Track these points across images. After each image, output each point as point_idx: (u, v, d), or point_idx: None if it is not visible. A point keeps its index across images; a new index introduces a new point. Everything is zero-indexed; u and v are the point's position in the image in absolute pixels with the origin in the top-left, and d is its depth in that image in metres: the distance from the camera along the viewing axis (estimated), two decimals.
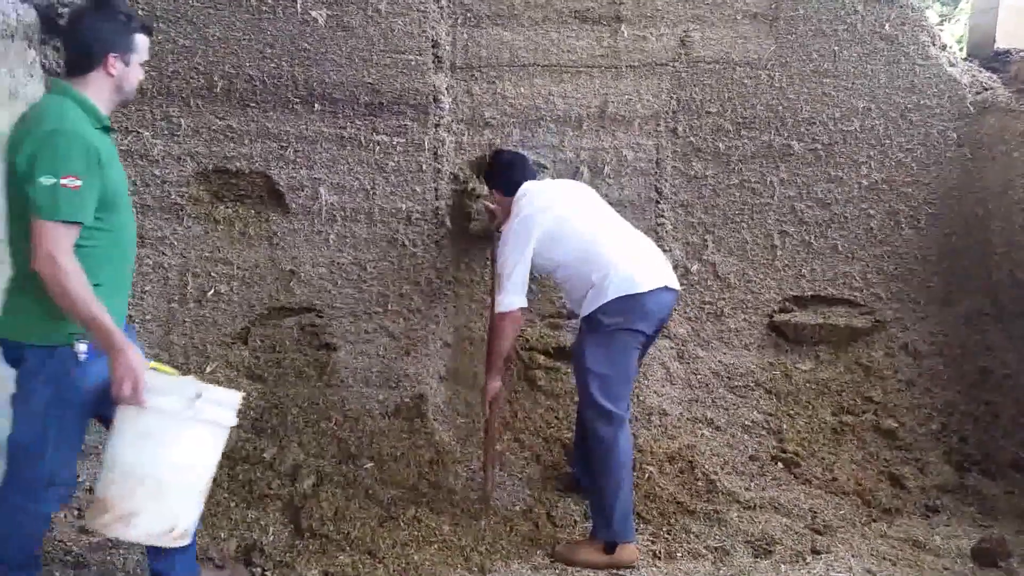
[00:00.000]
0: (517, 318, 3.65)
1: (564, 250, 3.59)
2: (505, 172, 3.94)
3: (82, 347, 2.50)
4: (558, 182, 4.01)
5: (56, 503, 2.67)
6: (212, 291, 4.17)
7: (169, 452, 2.52)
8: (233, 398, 2.66)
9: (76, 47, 2.61)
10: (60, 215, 2.38)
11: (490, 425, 3.81)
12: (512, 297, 3.59)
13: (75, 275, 2.38)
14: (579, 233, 3.59)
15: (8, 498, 2.57)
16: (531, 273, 3.65)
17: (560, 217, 3.63)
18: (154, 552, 2.85)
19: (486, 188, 4.19)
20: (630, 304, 3.44)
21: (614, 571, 3.39)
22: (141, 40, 2.68)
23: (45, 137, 2.41)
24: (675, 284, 3.61)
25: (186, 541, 2.65)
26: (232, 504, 3.60)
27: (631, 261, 3.51)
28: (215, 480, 3.49)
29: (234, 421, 2.66)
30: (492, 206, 4.09)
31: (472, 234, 4.34)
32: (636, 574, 3.38)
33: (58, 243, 2.37)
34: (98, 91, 2.61)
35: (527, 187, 3.82)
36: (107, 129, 2.65)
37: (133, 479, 2.49)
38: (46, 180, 2.36)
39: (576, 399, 4.28)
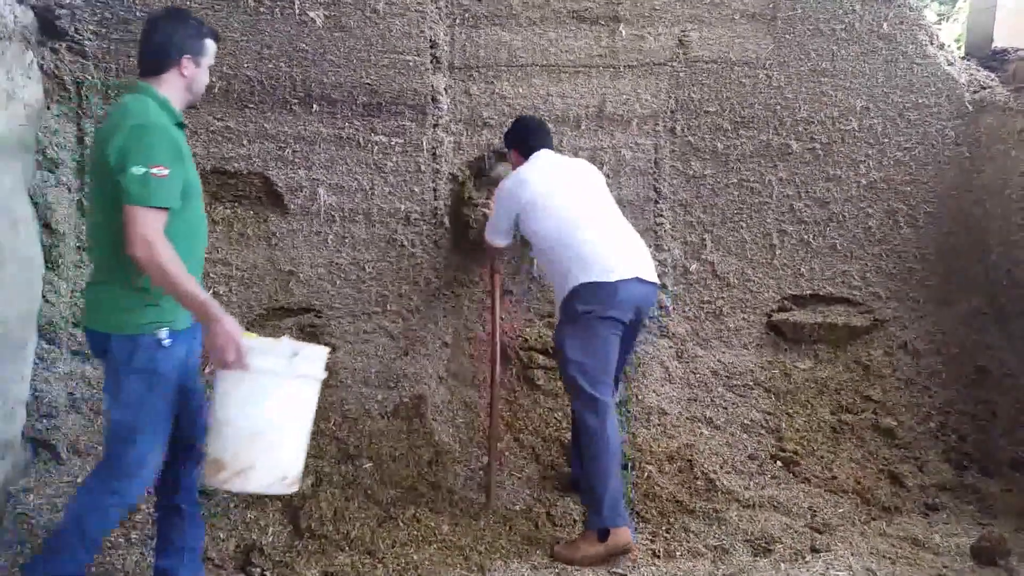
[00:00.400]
0: (499, 248, 4.02)
1: (542, 225, 3.66)
2: (524, 134, 4.00)
3: (164, 333, 2.67)
4: (567, 159, 4.01)
5: (143, 487, 2.78)
6: (211, 292, 4.17)
7: (275, 408, 2.72)
8: (323, 353, 2.85)
9: (152, 50, 2.79)
10: (152, 201, 2.54)
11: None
12: (492, 237, 3.95)
13: (170, 254, 2.54)
14: (559, 211, 3.64)
15: (103, 479, 2.72)
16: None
17: (548, 192, 3.69)
18: (161, 550, 2.97)
19: (484, 195, 4.26)
20: (601, 291, 3.49)
21: (613, 570, 3.39)
22: (210, 45, 2.89)
23: (133, 130, 2.58)
24: (649, 276, 3.63)
25: (297, 487, 2.85)
26: (231, 504, 3.59)
27: (605, 249, 3.56)
28: None
29: (325, 374, 2.86)
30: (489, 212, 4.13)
31: (471, 241, 4.33)
32: (636, 573, 3.38)
33: (152, 227, 2.53)
34: (172, 90, 2.79)
35: (539, 154, 3.88)
36: (181, 126, 2.81)
37: (245, 437, 2.69)
38: (137, 170, 2.53)
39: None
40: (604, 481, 3.42)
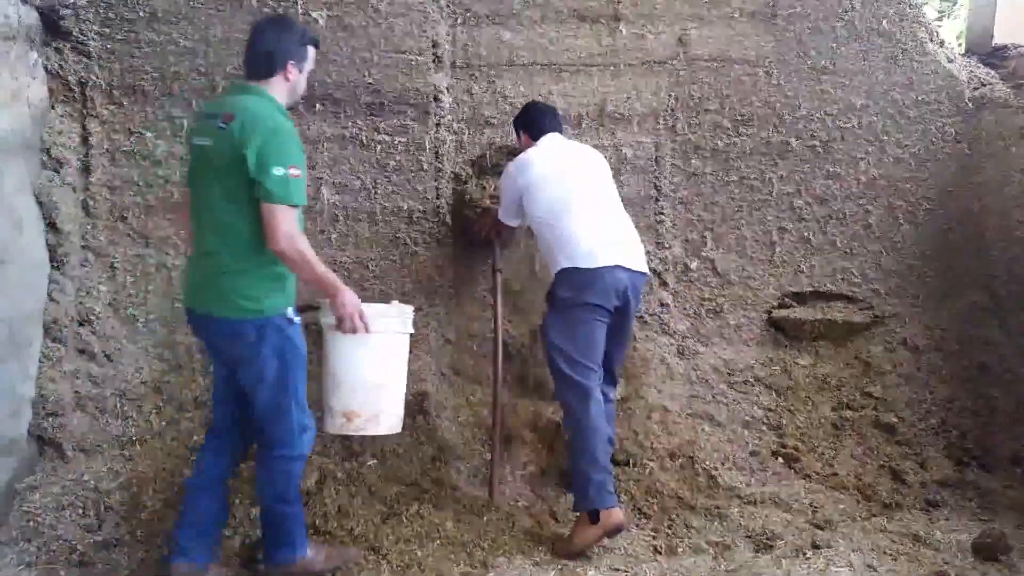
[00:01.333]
0: (511, 227, 4.02)
1: (537, 208, 3.70)
2: (535, 115, 4.00)
3: (290, 311, 3.01)
4: (575, 144, 4.03)
5: (309, 445, 3.15)
6: None
7: (393, 361, 3.36)
8: (411, 310, 3.44)
9: (260, 55, 3.01)
10: (291, 199, 2.83)
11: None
12: (504, 217, 3.94)
13: (307, 245, 2.90)
14: (553, 195, 3.67)
15: (273, 454, 3.07)
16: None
17: (546, 175, 3.71)
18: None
19: (487, 197, 4.28)
20: (583, 277, 3.54)
21: (617, 568, 3.41)
22: (311, 51, 3.12)
23: (270, 134, 2.82)
24: (635, 264, 3.66)
25: (400, 428, 3.47)
26: (236, 501, 3.60)
27: (593, 236, 3.59)
28: None
29: (412, 329, 3.46)
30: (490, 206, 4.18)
31: (472, 235, 4.35)
32: (638, 569, 3.40)
33: (293, 223, 2.86)
34: (278, 93, 3.02)
35: (548, 137, 3.90)
36: None
37: (374, 387, 3.27)
38: (277, 171, 2.79)
39: None
40: (590, 463, 3.46)
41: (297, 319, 3.03)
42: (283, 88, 3.03)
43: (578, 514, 3.55)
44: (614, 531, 3.45)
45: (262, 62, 3.00)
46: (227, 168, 2.86)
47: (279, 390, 3.00)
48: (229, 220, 2.91)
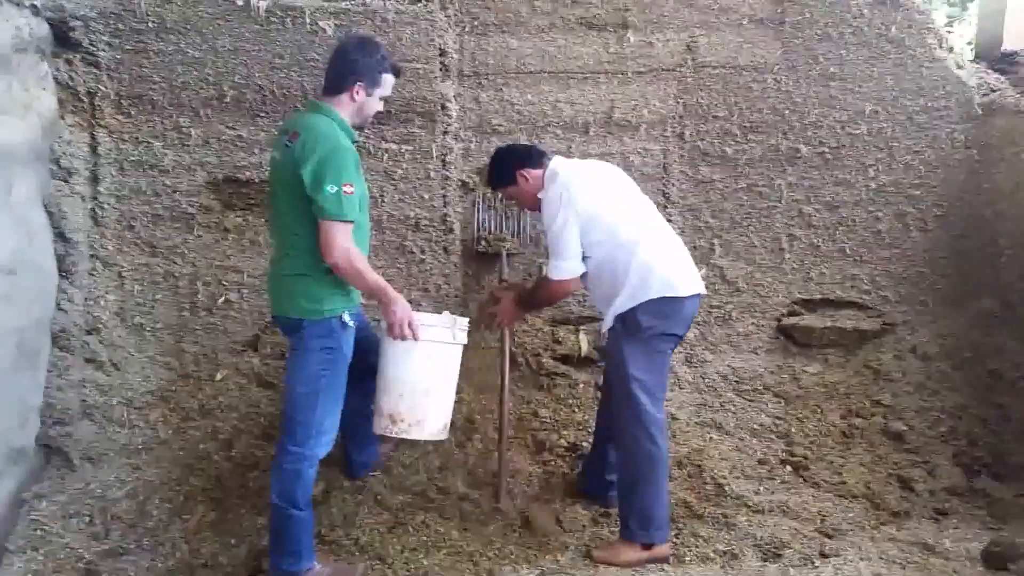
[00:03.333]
0: (576, 284, 3.61)
1: (604, 233, 3.46)
2: (526, 150, 3.80)
3: (347, 316, 3.16)
4: (596, 163, 3.87)
5: (325, 448, 3.21)
6: (223, 299, 4.21)
7: (441, 369, 3.40)
8: (466, 323, 3.46)
9: (333, 71, 3.19)
10: (344, 215, 2.98)
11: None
12: (571, 263, 3.51)
13: (361, 258, 3.09)
14: (622, 221, 3.48)
15: (288, 447, 3.14)
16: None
17: (605, 199, 3.53)
18: (357, 446, 3.73)
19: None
20: (669, 307, 3.41)
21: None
22: (387, 79, 3.25)
23: (327, 153, 2.97)
24: (702, 288, 3.59)
25: (446, 435, 3.54)
26: (243, 511, 3.62)
27: (673, 262, 3.48)
28: (225, 487, 3.59)
29: (466, 340, 3.47)
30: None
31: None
32: None
33: (348, 238, 3.02)
34: (344, 111, 3.17)
35: (561, 161, 3.71)
36: (354, 143, 3.17)
37: (420, 393, 3.33)
38: (331, 188, 2.95)
39: (579, 401, 4.33)
40: (657, 498, 3.41)
41: (352, 323, 3.17)
42: (349, 107, 3.17)
43: (624, 530, 3.49)
44: (660, 561, 3.42)
45: (332, 79, 3.18)
46: (290, 183, 3.03)
47: (312, 386, 3.11)
48: (294, 230, 3.10)
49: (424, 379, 3.34)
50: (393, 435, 3.40)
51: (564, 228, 3.46)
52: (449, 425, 3.50)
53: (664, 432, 3.47)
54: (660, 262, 3.43)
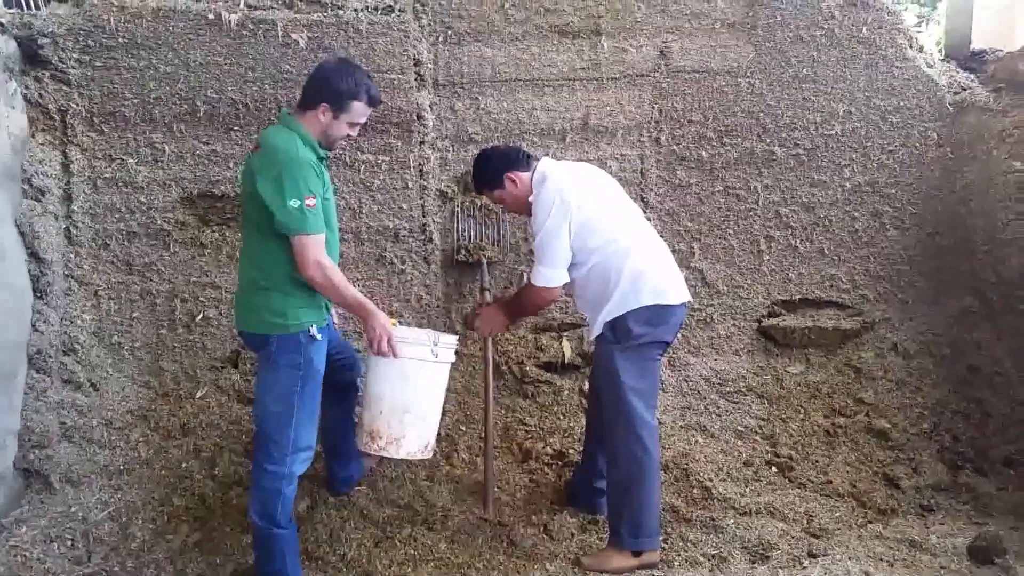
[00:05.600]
0: (557, 293, 3.54)
1: (599, 239, 3.41)
2: (512, 153, 3.70)
3: (315, 329, 3.07)
4: (585, 165, 3.79)
5: (302, 465, 3.12)
6: (201, 316, 4.17)
7: (422, 387, 3.33)
8: (454, 340, 3.42)
9: (306, 88, 3.14)
10: (309, 229, 2.94)
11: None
12: (557, 272, 3.45)
13: (336, 271, 3.05)
14: (616, 227, 3.45)
15: (265, 466, 3.05)
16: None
17: (599, 204, 3.49)
18: (339, 463, 3.68)
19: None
20: (658, 315, 3.39)
21: None
22: (357, 107, 3.14)
23: (283, 168, 2.92)
24: (688, 297, 3.57)
25: (430, 454, 3.48)
26: (227, 529, 3.57)
27: (663, 271, 3.46)
28: (209, 505, 3.54)
29: (455, 358, 3.45)
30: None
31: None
32: None
33: (320, 251, 2.99)
34: (311, 127, 3.10)
35: (549, 163, 3.62)
36: (322, 159, 3.12)
37: (399, 411, 3.28)
38: (293, 203, 2.90)
39: (564, 408, 4.32)
40: (650, 506, 3.41)
41: (320, 337, 3.09)
42: (316, 125, 3.11)
43: (615, 537, 3.47)
44: (650, 567, 3.42)
45: (304, 95, 3.14)
46: (251, 196, 3.00)
47: (285, 403, 3.04)
48: (256, 243, 3.07)
49: (403, 397, 3.28)
50: (373, 452, 3.35)
51: (555, 235, 3.41)
52: (433, 445, 3.45)
53: (656, 439, 3.46)
54: (652, 269, 3.41)
